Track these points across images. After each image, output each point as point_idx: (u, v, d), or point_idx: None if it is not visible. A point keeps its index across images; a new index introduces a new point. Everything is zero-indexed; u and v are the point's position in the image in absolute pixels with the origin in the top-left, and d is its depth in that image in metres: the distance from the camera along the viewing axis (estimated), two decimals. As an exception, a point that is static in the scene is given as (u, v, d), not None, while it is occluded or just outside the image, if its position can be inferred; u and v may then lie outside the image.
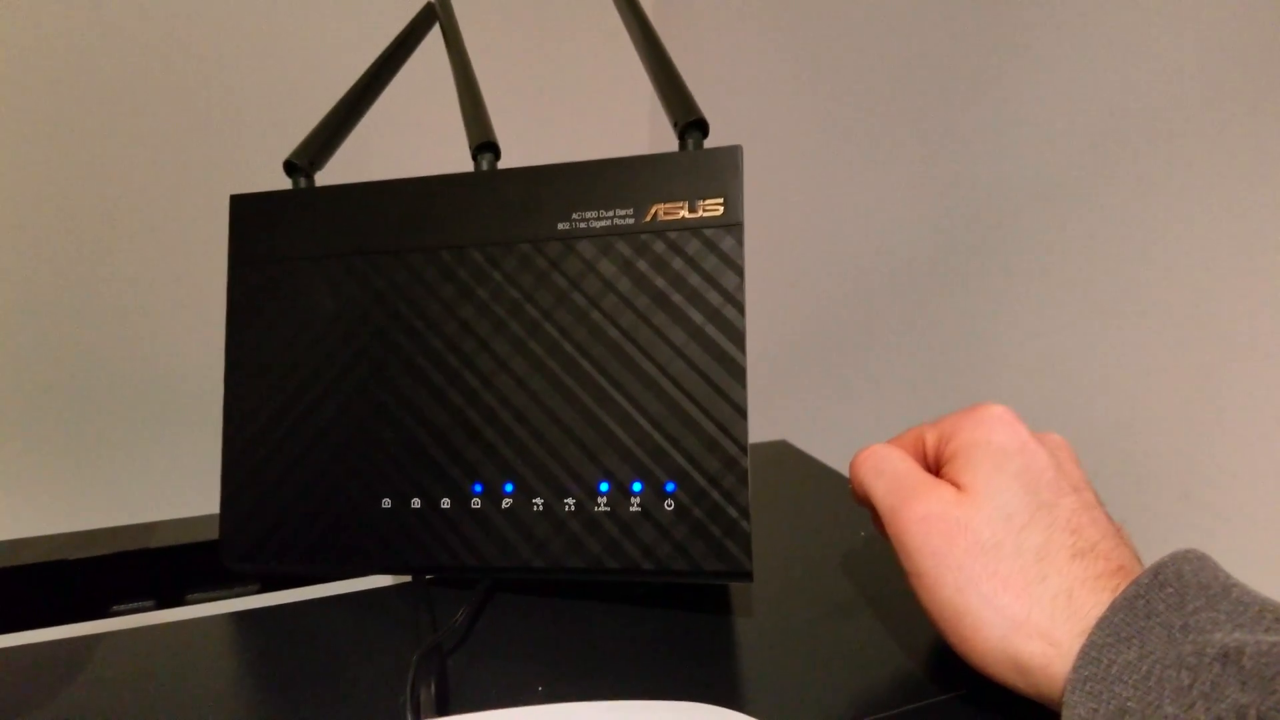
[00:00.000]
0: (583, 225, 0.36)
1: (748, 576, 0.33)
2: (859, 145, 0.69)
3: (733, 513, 0.33)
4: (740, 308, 0.34)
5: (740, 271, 0.34)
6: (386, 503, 0.37)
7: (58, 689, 0.30)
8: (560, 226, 0.36)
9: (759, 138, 0.82)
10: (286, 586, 0.43)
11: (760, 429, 0.67)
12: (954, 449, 0.31)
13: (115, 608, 0.42)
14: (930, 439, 0.33)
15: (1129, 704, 0.23)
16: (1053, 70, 0.49)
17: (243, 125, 0.78)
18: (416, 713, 0.27)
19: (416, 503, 0.36)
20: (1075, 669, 0.24)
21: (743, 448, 0.33)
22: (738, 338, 0.34)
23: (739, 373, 0.34)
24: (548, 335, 0.36)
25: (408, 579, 0.39)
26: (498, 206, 0.37)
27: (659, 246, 0.35)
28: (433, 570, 0.37)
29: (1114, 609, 0.25)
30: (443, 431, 0.37)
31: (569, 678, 0.31)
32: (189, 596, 0.44)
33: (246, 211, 0.40)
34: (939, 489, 0.30)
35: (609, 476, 0.35)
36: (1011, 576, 0.27)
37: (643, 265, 0.35)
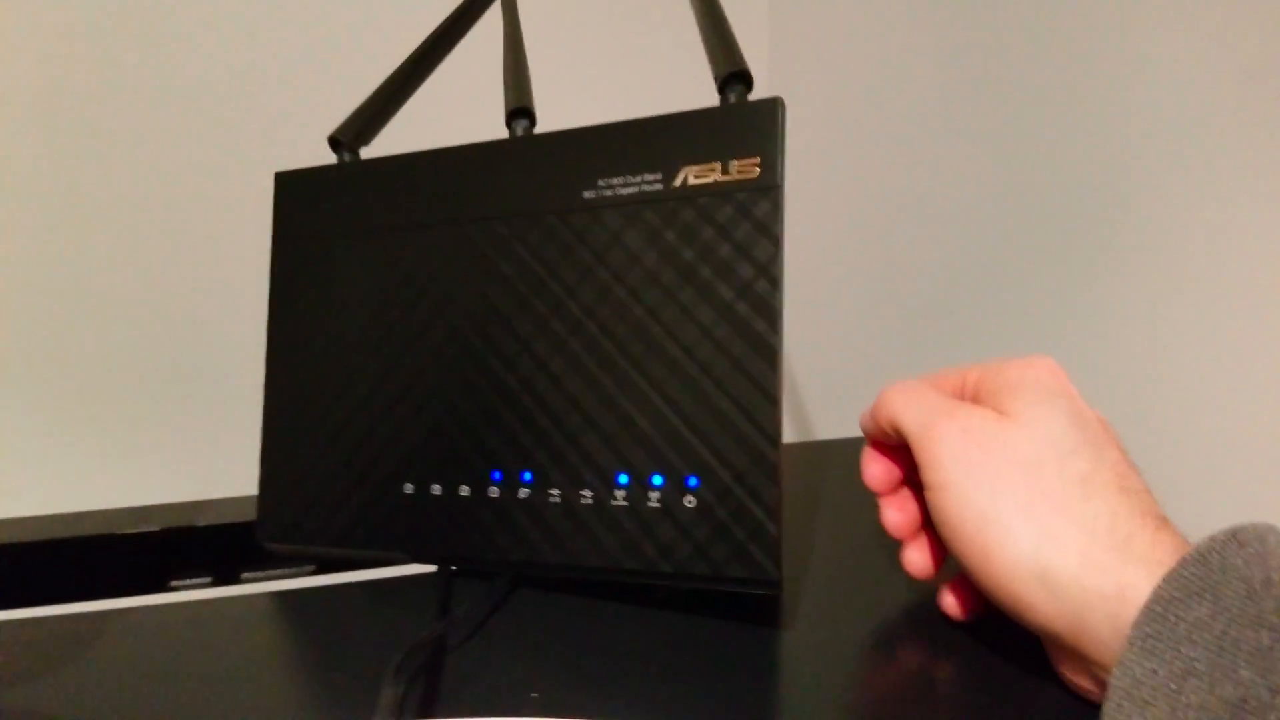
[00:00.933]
0: (609, 193, 0.33)
1: (775, 586, 0.29)
2: (983, 131, 0.62)
3: (759, 513, 0.29)
4: (774, 281, 0.30)
5: (776, 240, 0.30)
6: (409, 488, 0.35)
7: (43, 672, 0.30)
8: (586, 195, 0.33)
9: (867, 118, 0.77)
10: (343, 569, 0.43)
11: (845, 423, 0.62)
12: (997, 385, 0.29)
13: (173, 583, 0.43)
14: (972, 376, 0.30)
15: (1197, 665, 0.20)
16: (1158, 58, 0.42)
17: (297, 101, 0.78)
18: (385, 711, 0.25)
19: (437, 489, 0.35)
20: (1136, 625, 0.21)
21: (773, 440, 0.29)
22: (771, 316, 0.30)
23: (771, 355, 0.30)
24: (571, 314, 0.33)
25: (434, 568, 0.38)
26: (525, 175, 0.35)
27: (688, 214, 0.31)
28: (450, 561, 0.35)
29: (1184, 563, 0.21)
30: (463, 415, 0.35)
31: (571, 685, 0.28)
32: (244, 575, 0.45)
33: (290, 188, 0.40)
34: (980, 410, 0.28)
35: (628, 468, 0.31)
36: (1051, 492, 0.25)
37: (670, 235, 0.32)
